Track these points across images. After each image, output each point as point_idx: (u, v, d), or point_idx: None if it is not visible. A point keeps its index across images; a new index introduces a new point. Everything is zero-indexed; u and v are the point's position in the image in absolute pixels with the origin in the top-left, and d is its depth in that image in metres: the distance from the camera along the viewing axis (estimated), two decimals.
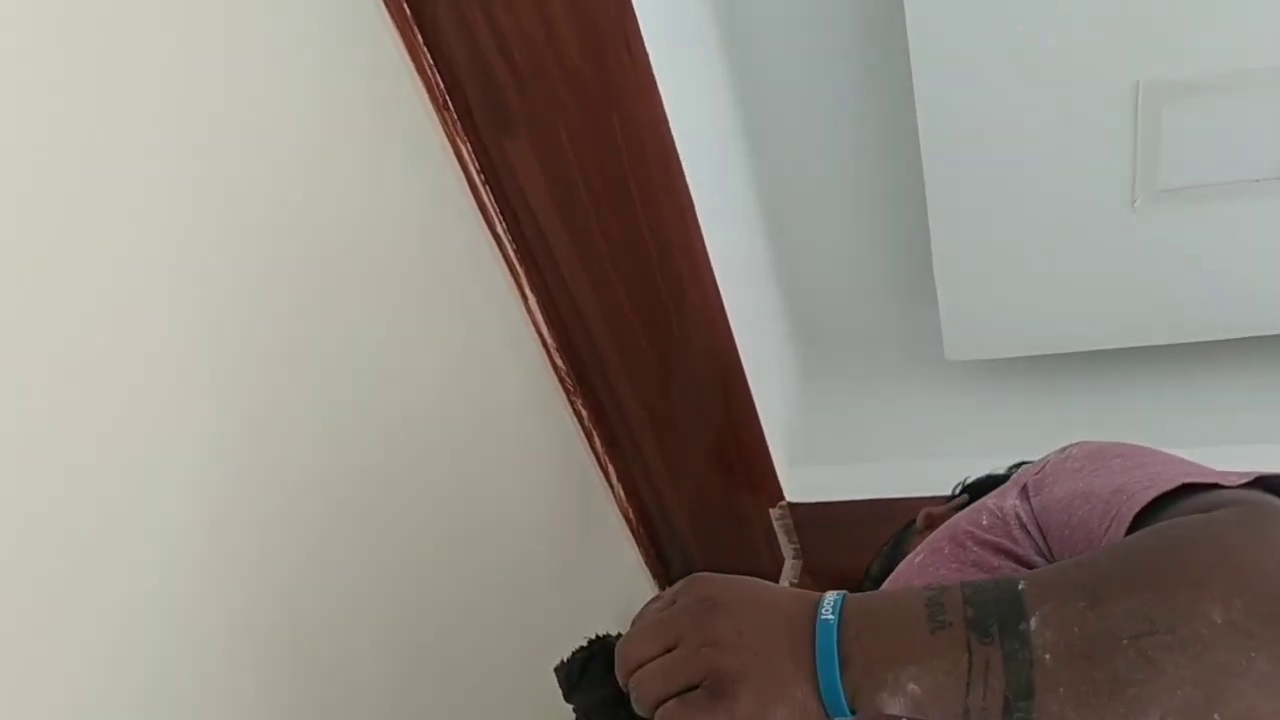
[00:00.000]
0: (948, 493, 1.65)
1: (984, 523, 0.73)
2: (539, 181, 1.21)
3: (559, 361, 1.41)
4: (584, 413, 1.47)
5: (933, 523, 1.06)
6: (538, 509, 1.40)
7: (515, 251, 1.29)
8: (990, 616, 0.53)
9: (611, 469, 1.56)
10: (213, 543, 0.81)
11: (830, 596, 0.57)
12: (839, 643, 0.54)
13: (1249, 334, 1.57)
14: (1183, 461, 0.68)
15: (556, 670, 0.77)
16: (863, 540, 1.74)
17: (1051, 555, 0.69)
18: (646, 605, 0.61)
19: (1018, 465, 1.09)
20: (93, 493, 0.71)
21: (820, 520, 1.66)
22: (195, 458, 0.80)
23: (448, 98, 1.14)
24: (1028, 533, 0.71)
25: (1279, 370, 1.61)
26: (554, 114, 1.15)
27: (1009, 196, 1.51)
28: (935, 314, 1.65)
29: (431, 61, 1.11)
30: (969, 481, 1.15)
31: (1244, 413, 1.59)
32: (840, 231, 1.67)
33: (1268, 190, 1.44)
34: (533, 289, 1.33)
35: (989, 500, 0.76)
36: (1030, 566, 0.69)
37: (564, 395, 1.44)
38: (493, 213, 1.24)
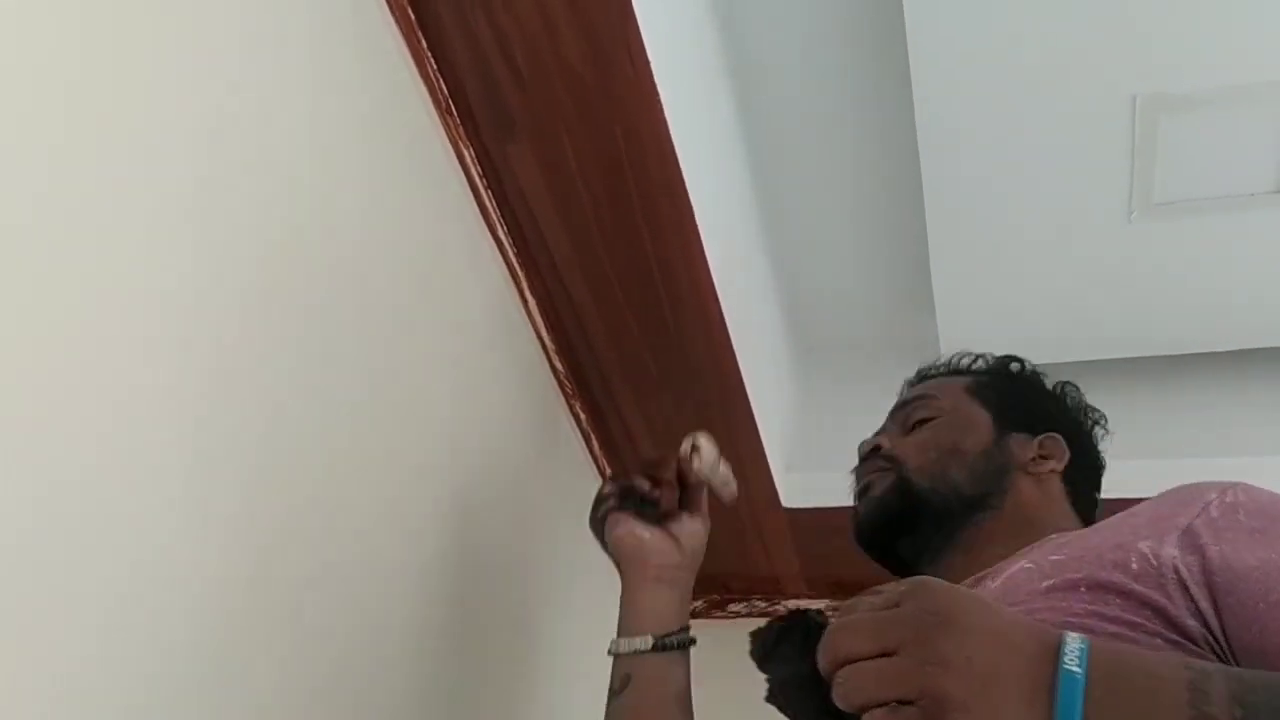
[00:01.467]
0: None
1: (1134, 568, 0.68)
2: (540, 186, 1.23)
3: (558, 364, 1.42)
4: (582, 415, 1.49)
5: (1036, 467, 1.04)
6: (534, 512, 1.41)
7: (516, 255, 1.30)
8: None
9: (609, 472, 1.57)
10: (211, 538, 0.82)
11: (1074, 643, 0.53)
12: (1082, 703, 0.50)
13: (1245, 346, 1.58)
14: None
15: (753, 635, 0.75)
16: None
17: (1220, 619, 0.64)
18: (861, 597, 0.58)
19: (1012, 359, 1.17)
20: (91, 495, 0.72)
21: (817, 526, 1.67)
22: (191, 456, 0.81)
23: (451, 102, 1.15)
24: (1186, 591, 0.66)
25: (1275, 383, 1.62)
26: (556, 119, 1.16)
27: (1007, 207, 1.53)
28: (933, 322, 1.66)
29: (435, 66, 1.12)
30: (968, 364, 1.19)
31: (1240, 425, 1.59)
32: (839, 239, 1.68)
33: (1263, 204, 1.45)
34: (533, 292, 1.34)
35: (1140, 541, 0.70)
36: (1181, 629, 0.65)
37: (563, 398, 1.45)
38: (494, 216, 1.25)
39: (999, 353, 1.69)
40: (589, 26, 1.09)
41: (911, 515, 0.98)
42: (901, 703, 0.51)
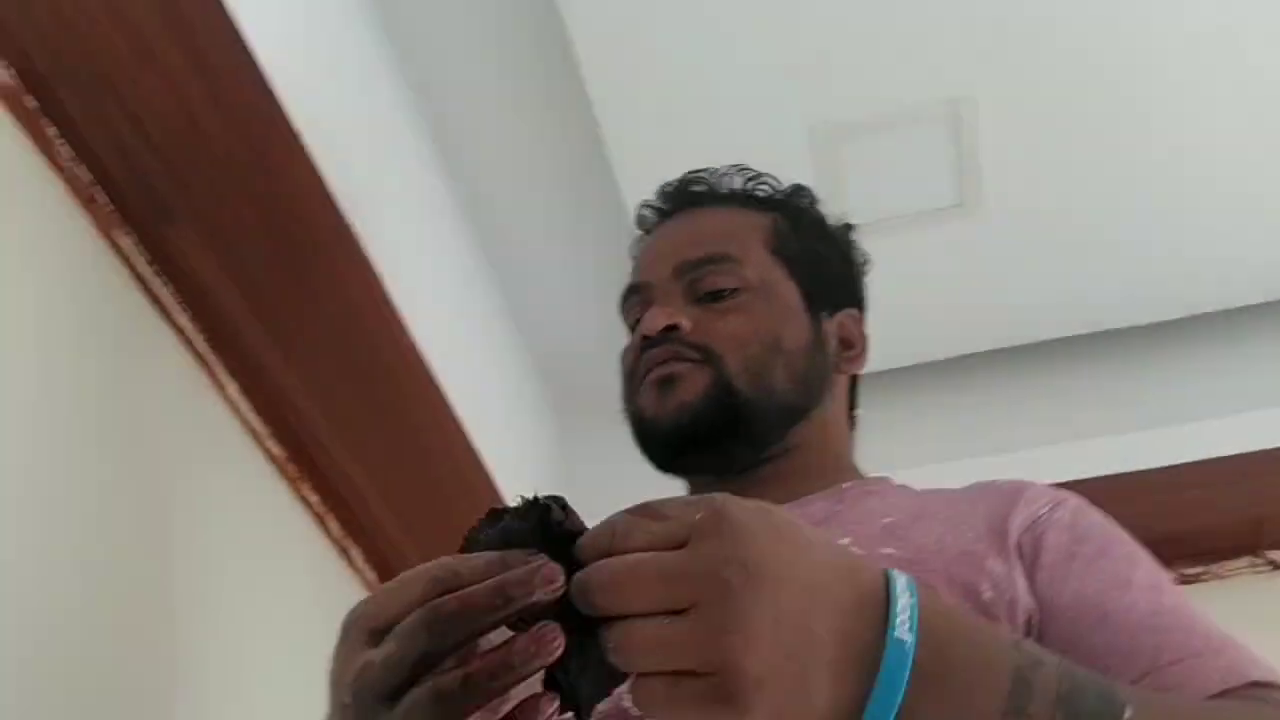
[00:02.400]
0: None
1: (985, 597, 0.67)
2: (213, 266, 1.19)
3: (274, 448, 1.37)
4: (312, 498, 1.44)
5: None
6: (279, 608, 1.34)
7: (206, 340, 1.26)
8: None
9: (356, 550, 1.52)
10: None
11: (904, 598, 0.44)
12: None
13: (945, 356, 1.67)
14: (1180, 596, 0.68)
15: (469, 537, 0.53)
16: None
17: (1042, 627, 0.66)
18: (639, 516, 0.46)
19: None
20: None
21: None
22: None
23: (95, 192, 1.11)
24: (1030, 626, 0.66)
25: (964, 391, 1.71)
26: (213, 197, 1.14)
27: None
28: None
29: (73, 155, 1.08)
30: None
31: (925, 436, 1.68)
32: (578, 295, 1.70)
33: (942, 218, 1.55)
34: (230, 375, 1.30)
35: (988, 558, 0.69)
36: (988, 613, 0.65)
37: (286, 483, 1.40)
38: (171, 302, 1.21)
39: None
40: (229, 102, 1.08)
41: (729, 428, 0.81)
42: (686, 672, 0.42)
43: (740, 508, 0.45)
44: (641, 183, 1.50)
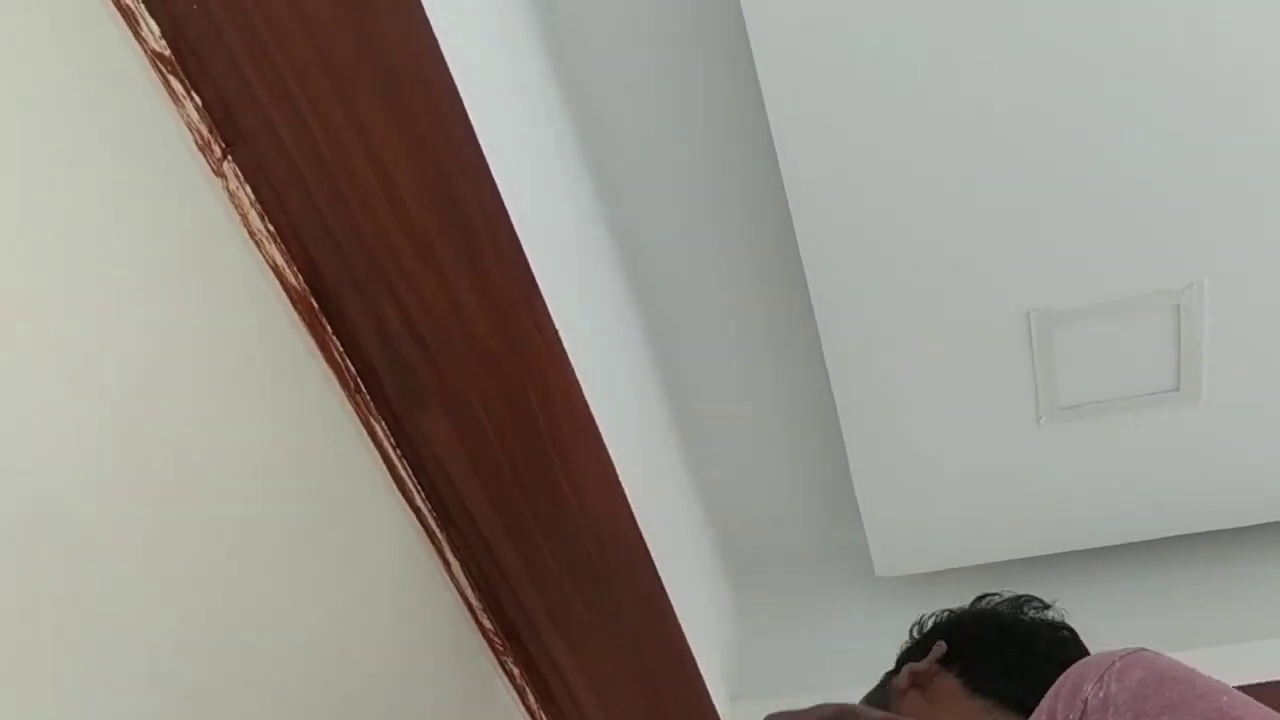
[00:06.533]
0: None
1: None
2: (456, 450, 1.21)
3: (486, 622, 1.37)
4: (515, 670, 1.43)
5: (918, 680, 1.02)
6: None
7: (435, 519, 1.27)
8: None
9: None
10: None
11: None
12: None
13: (1162, 535, 1.61)
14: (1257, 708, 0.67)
15: None
16: None
17: None
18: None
19: (981, 597, 1.14)
20: None
21: None
22: None
23: (359, 381, 1.14)
24: None
25: (1196, 572, 1.64)
26: (468, 388, 1.16)
27: (920, 416, 1.55)
28: (861, 530, 1.66)
29: (341, 349, 1.12)
30: (929, 625, 1.14)
31: (1155, 615, 1.60)
32: (762, 461, 1.70)
33: (1158, 403, 1.50)
34: (455, 553, 1.31)
35: None
36: None
37: (493, 655, 1.40)
38: (410, 484, 1.23)
39: (929, 558, 1.71)
40: (494, 299, 1.10)
41: None
42: None
43: (869, 714, 0.56)
44: (849, 356, 1.52)
